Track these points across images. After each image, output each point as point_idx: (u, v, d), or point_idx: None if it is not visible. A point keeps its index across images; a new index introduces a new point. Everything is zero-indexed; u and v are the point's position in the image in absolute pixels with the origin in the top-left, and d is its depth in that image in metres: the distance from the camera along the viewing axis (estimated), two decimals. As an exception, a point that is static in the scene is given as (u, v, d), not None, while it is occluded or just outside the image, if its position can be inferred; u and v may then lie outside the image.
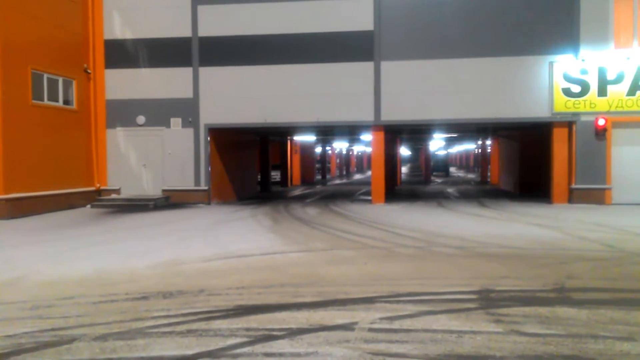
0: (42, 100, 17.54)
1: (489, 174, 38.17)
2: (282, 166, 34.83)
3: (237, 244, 11.05)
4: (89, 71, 19.89)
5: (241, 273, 8.28)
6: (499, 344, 5.04)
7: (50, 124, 17.87)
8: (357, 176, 54.52)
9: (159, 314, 6.14)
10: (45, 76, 17.66)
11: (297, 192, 29.34)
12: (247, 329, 5.53)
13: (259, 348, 5.00)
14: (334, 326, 5.59)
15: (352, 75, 19.31)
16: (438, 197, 23.74)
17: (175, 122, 20.21)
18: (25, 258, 9.81)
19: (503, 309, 6.15)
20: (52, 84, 18.09)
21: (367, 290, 7.05)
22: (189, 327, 5.63)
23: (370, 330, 5.45)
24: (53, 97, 18.15)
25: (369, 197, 20.66)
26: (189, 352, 4.93)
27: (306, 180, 39.59)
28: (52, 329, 5.64)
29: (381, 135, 19.88)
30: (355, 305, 6.36)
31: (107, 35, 20.38)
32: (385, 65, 19.18)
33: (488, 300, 6.56)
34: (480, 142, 41.47)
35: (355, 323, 5.67)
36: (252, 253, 10.01)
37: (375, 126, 19.70)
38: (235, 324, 5.69)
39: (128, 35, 20.33)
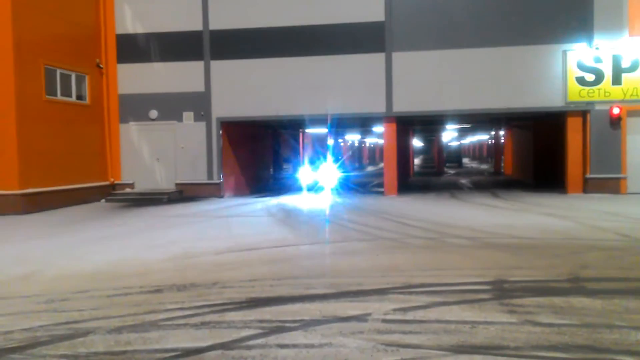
0: (56, 95, 17.66)
1: (502, 164, 37.91)
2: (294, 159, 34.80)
3: (249, 237, 11.07)
4: (101, 66, 19.99)
5: (254, 265, 8.31)
6: (513, 334, 5.02)
7: (64, 119, 17.99)
8: (370, 168, 54.33)
9: (172, 306, 6.18)
10: (58, 71, 17.77)
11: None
12: (261, 321, 5.54)
13: (272, 339, 5.02)
14: (347, 317, 5.59)
15: (364, 67, 19.19)
16: (451, 188, 23.62)
17: (188, 115, 20.24)
18: (40, 252, 9.92)
19: (517, 300, 6.12)
20: (65, 79, 18.19)
21: (380, 282, 7.04)
22: (202, 319, 5.66)
23: (384, 321, 5.45)
24: (66, 92, 18.26)
25: (382, 189, 20.60)
26: (203, 344, 4.95)
27: (318, 173, 39.52)
28: (67, 322, 5.70)
29: (393, 126, 19.78)
30: (368, 297, 6.35)
31: (119, 30, 20.43)
32: (396, 56, 19.05)
33: (501, 291, 6.53)
34: (493, 133, 41.16)
35: (369, 314, 5.67)
36: (264, 245, 10.03)
37: (387, 117, 19.59)
38: (249, 316, 5.71)
39: (139, 29, 20.36)
